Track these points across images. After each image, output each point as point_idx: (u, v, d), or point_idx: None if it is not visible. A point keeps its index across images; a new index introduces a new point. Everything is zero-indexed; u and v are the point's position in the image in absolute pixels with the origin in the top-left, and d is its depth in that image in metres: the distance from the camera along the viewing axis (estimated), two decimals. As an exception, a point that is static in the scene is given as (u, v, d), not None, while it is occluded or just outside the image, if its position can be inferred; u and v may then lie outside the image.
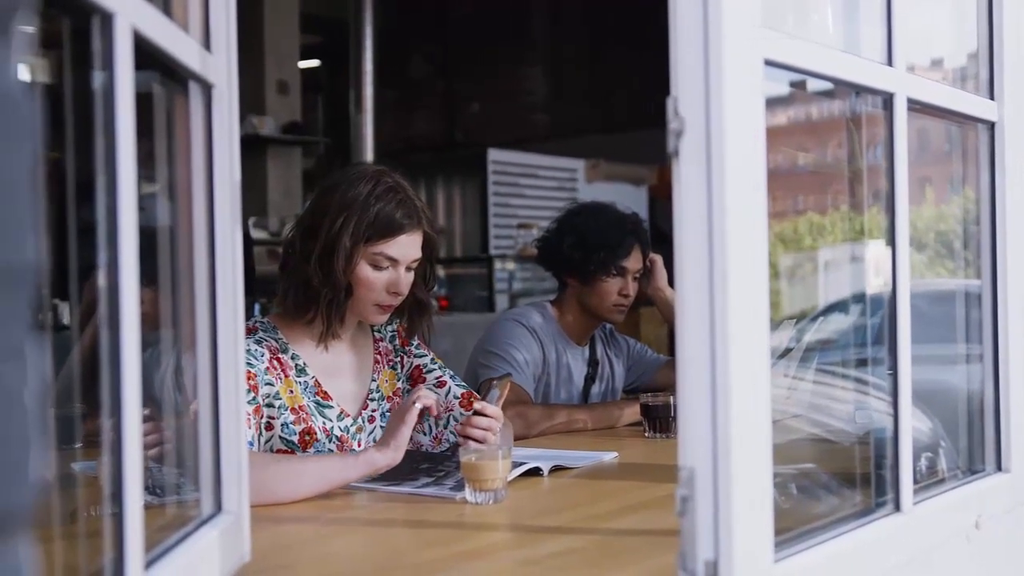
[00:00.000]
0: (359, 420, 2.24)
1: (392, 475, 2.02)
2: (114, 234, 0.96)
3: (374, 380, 2.30)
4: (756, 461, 1.17)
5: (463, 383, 2.36)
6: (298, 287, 2.16)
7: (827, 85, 1.52)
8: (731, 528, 1.13)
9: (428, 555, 1.55)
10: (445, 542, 1.63)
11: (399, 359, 2.36)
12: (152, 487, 1.34)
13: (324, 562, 1.57)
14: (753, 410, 1.17)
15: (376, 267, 2.15)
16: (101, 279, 0.96)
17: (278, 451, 2.11)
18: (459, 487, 1.89)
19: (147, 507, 1.04)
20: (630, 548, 1.57)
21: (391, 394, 2.32)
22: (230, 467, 1.34)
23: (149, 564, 1.06)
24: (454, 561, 1.52)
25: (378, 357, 2.33)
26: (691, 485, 1.14)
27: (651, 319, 6.62)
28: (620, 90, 9.19)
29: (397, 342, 2.37)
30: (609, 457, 2.31)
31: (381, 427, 2.26)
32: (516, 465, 2.01)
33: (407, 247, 2.16)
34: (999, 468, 1.77)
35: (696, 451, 1.14)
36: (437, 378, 2.34)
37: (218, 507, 1.33)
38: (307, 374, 2.18)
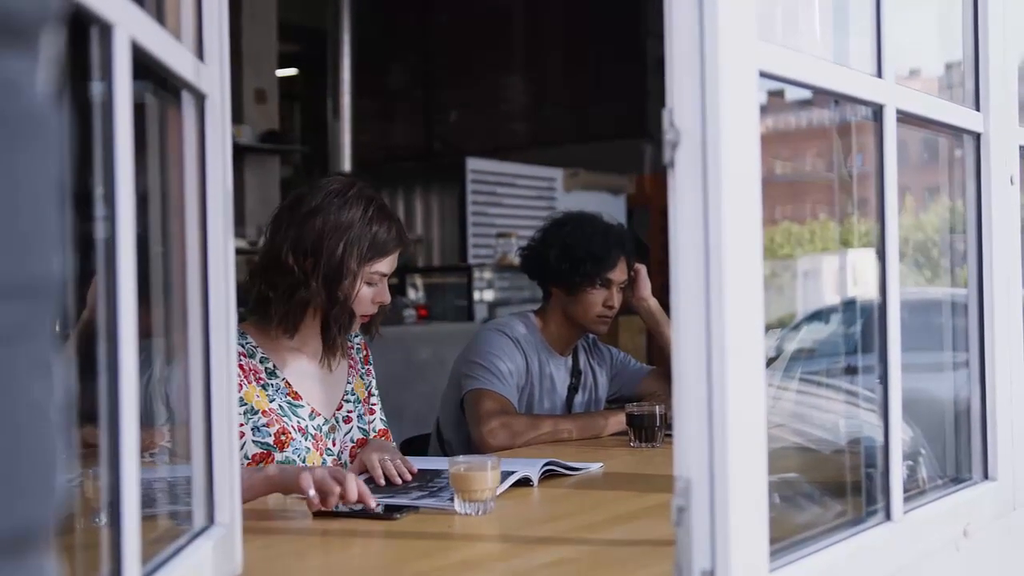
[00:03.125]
0: (332, 420, 2.30)
1: (385, 490, 2.01)
2: (113, 244, 0.96)
3: (349, 383, 2.38)
4: (752, 471, 1.18)
5: (385, 419, 2.47)
6: (297, 308, 2.21)
7: (803, 94, 1.53)
8: (727, 538, 1.13)
9: (419, 566, 1.54)
10: (436, 553, 1.63)
11: (365, 370, 2.46)
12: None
13: (315, 574, 1.56)
14: (749, 420, 1.17)
15: (370, 284, 2.25)
16: (100, 289, 0.96)
17: (254, 456, 2.13)
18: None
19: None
20: (623, 558, 1.57)
21: (363, 399, 2.41)
22: (222, 480, 1.34)
23: (145, 578, 1.05)
24: (445, 572, 1.51)
25: (351, 363, 2.41)
26: (687, 495, 1.15)
27: (629, 328, 6.62)
28: (599, 99, 9.21)
29: (361, 356, 2.46)
30: (595, 467, 2.31)
31: (359, 427, 2.35)
32: (506, 475, 2.00)
33: (395, 261, 2.29)
34: (986, 476, 1.78)
35: (692, 461, 1.14)
36: (373, 404, 2.46)
37: (211, 519, 1.32)
38: (278, 376, 2.24)
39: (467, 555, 1.63)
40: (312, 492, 1.78)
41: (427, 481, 2.10)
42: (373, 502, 1.81)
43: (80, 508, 1.42)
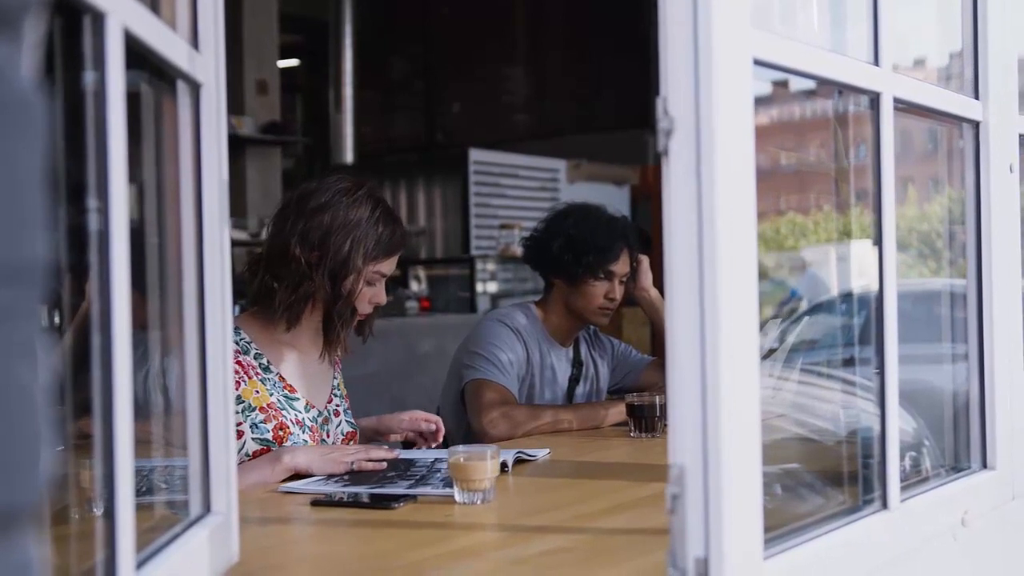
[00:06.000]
0: (325, 412, 2.34)
1: (374, 480, 2.01)
2: (106, 235, 0.96)
3: (335, 378, 2.43)
4: (746, 458, 1.18)
5: (353, 421, 2.46)
6: (300, 300, 2.23)
7: (808, 84, 1.53)
8: (721, 525, 1.13)
9: (417, 555, 1.55)
10: (434, 542, 1.63)
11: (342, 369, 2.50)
12: (137, 488, 1.33)
13: (312, 563, 1.56)
14: (743, 407, 1.17)
15: (370, 283, 2.28)
16: (93, 281, 0.96)
17: (254, 453, 2.14)
18: (448, 484, 1.88)
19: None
20: (619, 546, 1.57)
21: (345, 396, 2.45)
22: (219, 468, 1.34)
23: (140, 565, 1.05)
24: (444, 561, 1.51)
25: (336, 359, 2.45)
26: (681, 483, 1.15)
27: (633, 319, 6.63)
28: (602, 90, 9.21)
29: (339, 355, 2.49)
30: (543, 453, 2.32)
31: (347, 421, 2.40)
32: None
33: (395, 263, 2.33)
34: (984, 465, 1.78)
35: (686, 449, 1.15)
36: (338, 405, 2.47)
37: (207, 508, 1.33)
38: (272, 371, 2.26)
39: (464, 544, 1.63)
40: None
41: (407, 468, 2.11)
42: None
43: (77, 498, 1.42)
